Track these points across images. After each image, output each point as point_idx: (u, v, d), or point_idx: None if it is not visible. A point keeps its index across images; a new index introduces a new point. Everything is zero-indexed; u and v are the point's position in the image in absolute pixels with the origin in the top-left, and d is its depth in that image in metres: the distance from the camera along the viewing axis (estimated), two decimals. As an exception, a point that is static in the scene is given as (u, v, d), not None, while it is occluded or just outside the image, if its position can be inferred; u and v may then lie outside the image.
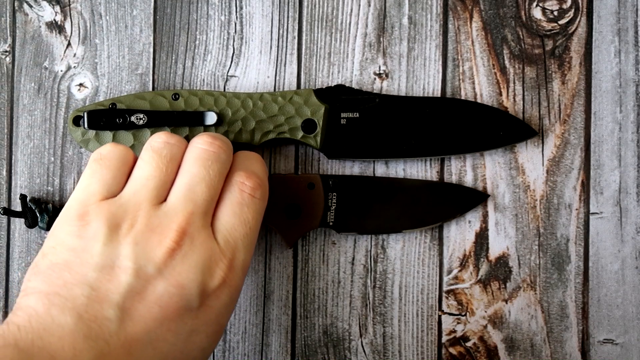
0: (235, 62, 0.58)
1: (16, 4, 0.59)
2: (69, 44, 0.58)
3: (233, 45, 0.58)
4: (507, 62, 0.57)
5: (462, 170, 0.57)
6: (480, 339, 0.57)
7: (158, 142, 0.47)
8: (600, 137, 0.57)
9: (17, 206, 0.58)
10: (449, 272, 0.57)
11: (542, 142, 0.57)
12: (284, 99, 0.55)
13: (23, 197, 0.56)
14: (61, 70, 0.58)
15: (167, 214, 0.45)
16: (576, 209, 0.56)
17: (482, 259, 0.57)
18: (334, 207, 0.55)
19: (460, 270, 0.57)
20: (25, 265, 0.58)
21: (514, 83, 0.57)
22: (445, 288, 0.57)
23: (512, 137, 0.55)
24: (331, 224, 0.55)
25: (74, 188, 0.58)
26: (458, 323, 0.57)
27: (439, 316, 0.57)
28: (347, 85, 0.57)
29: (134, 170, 0.47)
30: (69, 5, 0.59)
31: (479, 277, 0.57)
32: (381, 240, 0.57)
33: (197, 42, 0.58)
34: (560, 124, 0.57)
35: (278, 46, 0.58)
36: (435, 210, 0.56)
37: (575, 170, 0.57)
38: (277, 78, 0.58)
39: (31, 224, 0.56)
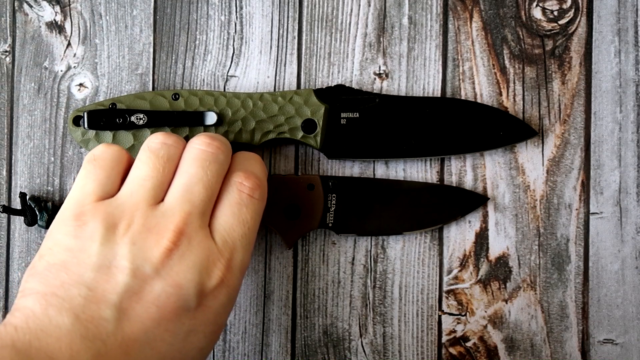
0: (235, 62, 0.58)
1: (16, 4, 0.59)
2: (69, 44, 0.58)
3: (233, 45, 0.58)
4: (507, 62, 0.57)
5: (462, 170, 0.57)
6: (480, 339, 0.57)
7: (155, 143, 0.47)
8: (600, 137, 0.57)
9: (17, 205, 0.58)
10: (449, 272, 0.57)
11: (542, 142, 0.57)
12: (284, 99, 0.55)
13: (23, 195, 0.56)
14: (61, 70, 0.58)
15: (164, 214, 0.44)
16: (576, 209, 0.56)
17: (482, 259, 0.57)
18: (333, 208, 0.55)
19: (460, 270, 0.57)
20: (25, 265, 0.58)
21: (514, 83, 0.57)
22: (445, 288, 0.57)
23: (512, 137, 0.55)
24: (330, 225, 0.55)
25: (74, 188, 0.58)
26: (458, 323, 0.57)
27: (439, 316, 0.57)
28: (347, 85, 0.57)
29: (131, 170, 0.47)
30: (69, 5, 0.59)
31: (479, 277, 0.57)
32: (381, 241, 0.57)
33: (197, 42, 0.58)
34: (560, 124, 0.57)
35: (278, 46, 0.58)
36: (435, 213, 0.56)
37: (575, 170, 0.57)
38: (277, 78, 0.58)
39: (30, 222, 0.56)
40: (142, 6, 0.58)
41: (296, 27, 0.58)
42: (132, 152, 0.55)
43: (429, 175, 0.57)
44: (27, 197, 0.56)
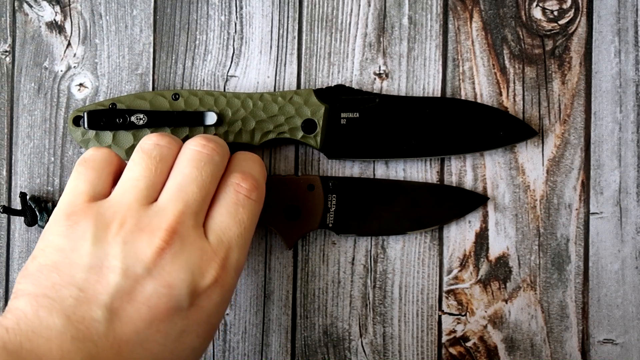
0: (235, 62, 0.58)
1: (16, 4, 0.59)
2: (69, 44, 0.58)
3: (233, 45, 0.58)
4: (507, 62, 0.57)
5: (462, 170, 0.57)
6: (480, 339, 0.57)
7: (148, 144, 0.47)
8: (600, 137, 0.57)
9: (17, 205, 0.58)
10: (449, 272, 0.57)
11: (542, 142, 0.57)
12: (284, 99, 0.55)
13: (23, 195, 0.56)
14: (61, 70, 0.58)
15: (157, 214, 0.44)
16: (576, 209, 0.56)
17: (482, 259, 0.57)
18: (333, 208, 0.55)
19: (460, 270, 0.57)
20: (26, 265, 0.58)
21: (514, 83, 0.57)
22: (445, 288, 0.57)
23: (512, 137, 0.55)
24: (331, 225, 0.55)
25: (74, 188, 0.58)
26: (458, 323, 0.57)
27: (439, 316, 0.57)
28: (347, 85, 0.57)
29: (124, 171, 0.47)
30: (69, 5, 0.59)
31: (479, 277, 0.57)
32: (381, 241, 0.57)
33: (197, 42, 0.58)
34: (560, 124, 0.57)
35: (278, 46, 0.58)
36: (435, 213, 0.56)
37: (575, 170, 0.57)
38: (277, 78, 0.58)
39: (31, 222, 0.56)
40: (142, 6, 0.58)
41: (296, 27, 0.58)
42: (132, 152, 0.55)
43: (429, 175, 0.57)
44: (28, 197, 0.56)
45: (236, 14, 0.58)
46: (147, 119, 0.54)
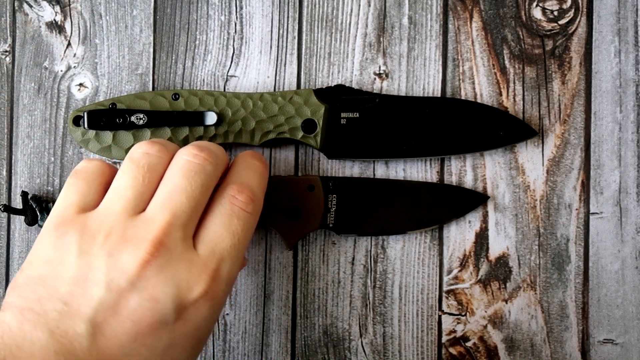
0: (235, 62, 0.58)
1: (16, 4, 0.59)
2: (69, 44, 0.58)
3: (233, 45, 0.58)
4: (507, 62, 0.57)
5: (462, 170, 0.57)
6: (480, 339, 0.57)
7: (137, 153, 0.46)
8: (600, 137, 0.57)
9: (17, 205, 0.58)
10: (449, 272, 0.57)
11: (542, 142, 0.57)
12: (284, 99, 0.55)
13: (24, 194, 0.56)
14: (61, 70, 0.58)
15: (143, 224, 0.43)
16: (576, 209, 0.56)
17: (482, 259, 0.57)
18: (333, 209, 0.55)
19: (460, 270, 0.57)
20: (26, 265, 0.58)
21: (514, 83, 0.57)
22: (445, 288, 0.57)
23: (512, 137, 0.55)
24: (331, 225, 0.55)
25: (74, 188, 0.58)
26: (458, 323, 0.57)
27: (439, 316, 0.57)
28: (347, 85, 0.57)
29: (113, 181, 0.46)
30: (69, 5, 0.59)
31: (479, 277, 0.57)
32: (381, 241, 0.57)
33: (197, 42, 0.58)
34: (560, 124, 0.57)
35: (278, 46, 0.58)
36: (435, 212, 0.56)
37: (575, 170, 0.57)
38: (277, 78, 0.58)
39: (31, 221, 0.56)
40: (142, 6, 0.58)
41: (296, 27, 0.58)
42: (132, 152, 0.55)
43: (429, 175, 0.57)
44: (29, 197, 0.56)
45: (236, 14, 0.58)
46: (147, 119, 0.54)
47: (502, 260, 0.57)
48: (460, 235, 0.57)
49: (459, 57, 0.57)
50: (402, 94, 0.57)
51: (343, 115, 0.55)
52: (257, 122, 0.55)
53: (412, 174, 0.57)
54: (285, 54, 0.58)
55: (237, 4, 0.58)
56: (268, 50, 0.58)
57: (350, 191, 0.56)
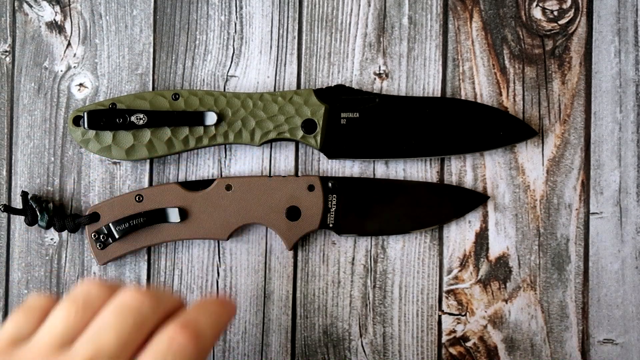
0: (235, 62, 0.58)
1: (16, 4, 0.59)
2: (69, 44, 0.58)
3: (233, 45, 0.58)
4: (507, 62, 0.57)
5: (462, 170, 0.57)
6: (480, 339, 0.57)
7: (77, 289, 0.45)
8: (600, 137, 0.57)
9: (17, 205, 0.58)
10: (449, 272, 0.57)
11: (542, 142, 0.57)
12: (284, 99, 0.55)
13: (24, 194, 0.56)
14: (61, 70, 0.58)
15: (67, 358, 0.41)
16: (576, 209, 0.56)
17: (482, 259, 0.57)
18: (333, 209, 0.55)
19: (460, 270, 0.57)
20: (25, 265, 0.58)
21: (514, 83, 0.57)
22: (445, 288, 0.57)
23: (512, 137, 0.55)
24: (331, 225, 0.55)
25: (74, 188, 0.58)
26: (458, 323, 0.57)
27: (439, 316, 0.57)
28: (347, 85, 0.57)
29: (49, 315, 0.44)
30: (69, 5, 0.59)
31: (479, 277, 0.57)
32: (381, 241, 0.57)
33: (197, 42, 0.58)
34: (560, 124, 0.57)
35: (278, 46, 0.58)
36: (435, 212, 0.56)
37: (575, 170, 0.57)
38: (277, 78, 0.58)
39: (31, 221, 0.56)
40: (142, 6, 0.58)
41: (296, 27, 0.58)
42: (132, 152, 0.55)
43: (429, 175, 0.57)
44: (29, 197, 0.56)
45: (236, 14, 0.58)
46: (147, 119, 0.54)
47: (502, 260, 0.57)
48: (460, 235, 0.57)
49: (459, 57, 0.57)
50: (402, 94, 0.57)
51: (343, 115, 0.55)
52: (257, 122, 0.55)
53: (412, 174, 0.57)
54: (285, 54, 0.58)
55: (237, 4, 0.58)
56: (268, 50, 0.58)
57: (350, 191, 0.56)
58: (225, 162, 0.58)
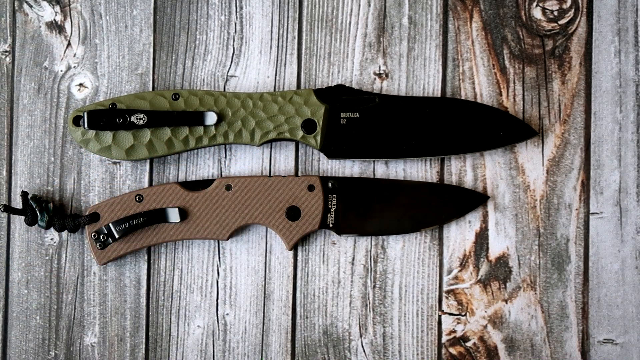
0: (235, 62, 0.58)
1: (16, 4, 0.59)
2: (69, 44, 0.58)
3: (233, 45, 0.58)
4: (507, 62, 0.57)
5: (462, 170, 0.57)
6: (480, 339, 0.57)
7: None
8: (600, 137, 0.57)
9: (17, 205, 0.58)
10: (449, 272, 0.57)
11: (542, 142, 0.57)
12: (284, 99, 0.55)
13: (24, 194, 0.56)
14: (61, 70, 0.58)
15: None
16: (576, 209, 0.56)
17: (482, 259, 0.57)
18: (333, 209, 0.55)
19: (460, 270, 0.57)
20: (25, 265, 0.58)
21: (514, 83, 0.57)
22: (445, 288, 0.57)
23: (512, 137, 0.55)
24: (331, 225, 0.55)
25: (74, 188, 0.58)
26: (458, 323, 0.57)
27: (439, 316, 0.57)
28: (347, 85, 0.57)
29: None
30: (69, 5, 0.59)
31: (479, 277, 0.57)
32: (381, 241, 0.57)
33: (197, 42, 0.58)
34: (560, 124, 0.57)
35: (278, 46, 0.58)
36: (435, 212, 0.56)
37: (575, 170, 0.57)
38: (277, 78, 0.58)
39: (31, 221, 0.56)
40: (142, 6, 0.58)
41: (296, 27, 0.58)
42: (132, 152, 0.55)
43: (429, 175, 0.57)
44: (29, 197, 0.56)
45: (236, 14, 0.58)
46: (147, 119, 0.54)
47: (502, 260, 0.57)
48: (460, 235, 0.57)
49: (459, 57, 0.57)
50: (402, 94, 0.57)
51: (343, 115, 0.55)
52: (257, 122, 0.55)
53: (412, 174, 0.57)
54: (285, 54, 0.58)
55: (237, 4, 0.58)
56: (268, 50, 0.58)
57: (350, 191, 0.56)
58: (225, 162, 0.58)
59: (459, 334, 0.57)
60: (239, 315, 0.57)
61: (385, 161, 0.57)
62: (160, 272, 0.58)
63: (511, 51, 0.57)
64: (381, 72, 0.57)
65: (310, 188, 0.55)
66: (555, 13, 0.57)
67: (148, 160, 0.58)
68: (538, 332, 0.56)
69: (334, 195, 0.55)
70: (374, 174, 0.57)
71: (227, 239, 0.56)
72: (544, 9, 0.57)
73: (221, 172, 0.58)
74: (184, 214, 0.55)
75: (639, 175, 0.56)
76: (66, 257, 0.58)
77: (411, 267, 0.57)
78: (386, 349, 0.57)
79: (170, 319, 0.58)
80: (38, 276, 0.58)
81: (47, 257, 0.58)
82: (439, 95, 0.57)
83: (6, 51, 0.59)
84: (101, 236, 0.55)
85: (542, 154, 0.57)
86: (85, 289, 0.58)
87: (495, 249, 0.57)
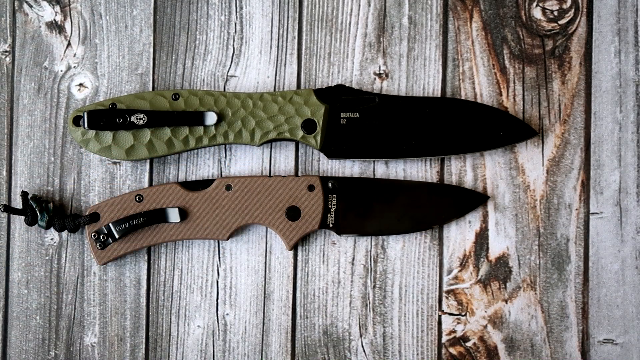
0: (235, 62, 0.58)
1: (16, 4, 0.59)
2: (69, 44, 0.58)
3: (233, 45, 0.58)
4: (507, 62, 0.57)
5: (462, 170, 0.57)
6: (480, 339, 0.57)
7: None
8: (600, 137, 0.57)
9: (17, 205, 0.58)
10: (449, 272, 0.57)
11: (542, 142, 0.57)
12: (284, 99, 0.55)
13: (24, 194, 0.56)
14: (61, 70, 0.58)
15: None
16: (576, 209, 0.56)
17: (482, 259, 0.57)
18: (333, 209, 0.55)
19: (460, 270, 0.57)
20: (25, 265, 0.58)
21: (514, 83, 0.57)
22: (445, 288, 0.57)
23: (512, 137, 0.55)
24: (331, 225, 0.55)
25: (74, 188, 0.58)
26: (458, 323, 0.57)
27: (439, 316, 0.57)
28: (347, 85, 0.57)
29: None
30: (69, 5, 0.59)
31: (479, 277, 0.57)
32: (381, 241, 0.57)
33: (197, 42, 0.58)
34: (560, 124, 0.57)
35: (278, 46, 0.58)
36: (435, 212, 0.56)
37: (575, 170, 0.57)
38: (277, 78, 0.58)
39: (31, 221, 0.55)
40: (142, 6, 0.58)
41: (296, 27, 0.58)
42: (132, 152, 0.55)
43: (429, 175, 0.57)
44: (29, 197, 0.56)
45: (236, 14, 0.58)
46: (147, 119, 0.54)
47: (502, 260, 0.57)
48: (460, 235, 0.57)
49: (459, 57, 0.57)
50: (402, 94, 0.57)
51: (343, 115, 0.55)
52: (257, 122, 0.55)
53: (412, 174, 0.57)
54: (285, 54, 0.58)
55: (237, 4, 0.58)
56: (268, 50, 0.58)
57: (350, 191, 0.56)
58: (225, 162, 0.58)
59: (459, 334, 0.57)
60: (239, 315, 0.57)
61: (385, 161, 0.57)
62: (160, 272, 0.58)
63: (511, 51, 0.57)
64: (381, 72, 0.57)
65: (310, 188, 0.55)
66: (555, 13, 0.57)
67: (148, 160, 0.58)
68: (538, 332, 0.56)
69: (334, 195, 0.55)
70: (374, 174, 0.57)
71: (227, 239, 0.56)
72: (544, 9, 0.57)
73: (221, 172, 0.58)
74: (184, 214, 0.55)
75: (639, 175, 0.56)
76: (66, 257, 0.58)
77: (411, 267, 0.57)
78: (386, 349, 0.57)
79: (170, 319, 0.58)
80: (38, 276, 0.58)
81: (47, 257, 0.58)
82: (439, 95, 0.57)
83: (6, 51, 0.59)
84: (101, 236, 0.55)
85: (542, 154, 0.57)
86: (85, 289, 0.58)
87: (495, 249, 0.57)
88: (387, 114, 0.55)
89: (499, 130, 0.55)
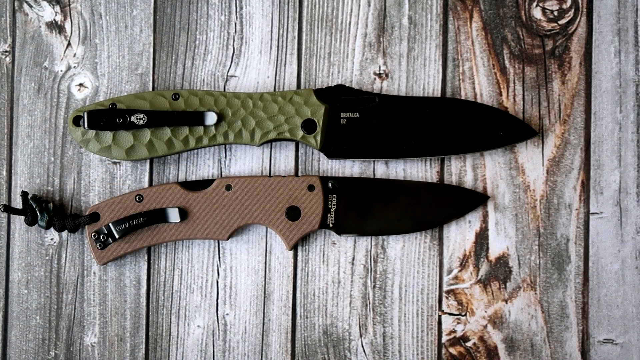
0: (235, 62, 0.58)
1: (16, 4, 0.59)
2: (69, 44, 0.58)
3: (233, 45, 0.58)
4: (507, 62, 0.57)
5: (462, 170, 0.57)
6: (480, 339, 0.57)
7: None
8: (600, 137, 0.57)
9: (17, 205, 0.58)
10: (449, 272, 0.57)
11: (542, 142, 0.57)
12: (284, 99, 0.55)
13: (24, 194, 0.56)
14: (61, 70, 0.58)
15: None
16: (576, 209, 0.56)
17: (482, 259, 0.57)
18: (333, 209, 0.55)
19: (460, 270, 0.57)
20: (25, 265, 0.58)
21: (514, 83, 0.57)
22: (445, 288, 0.57)
23: (512, 137, 0.55)
24: (331, 225, 0.55)
25: (74, 188, 0.58)
26: (458, 323, 0.57)
27: (439, 316, 0.57)
28: (347, 85, 0.57)
29: None
30: (69, 5, 0.59)
31: (479, 277, 0.57)
32: (381, 241, 0.57)
33: (197, 42, 0.58)
34: (560, 124, 0.57)
35: (278, 46, 0.58)
36: (435, 212, 0.56)
37: (575, 170, 0.57)
38: (277, 78, 0.58)
39: (31, 221, 0.55)
40: (142, 6, 0.58)
41: (296, 27, 0.58)
42: (132, 152, 0.55)
43: (429, 175, 0.57)
44: (29, 197, 0.56)
45: (236, 14, 0.58)
46: (147, 119, 0.54)
47: (502, 260, 0.57)
48: (460, 235, 0.57)
49: (459, 57, 0.57)
50: (402, 94, 0.57)
51: (343, 115, 0.55)
52: (257, 122, 0.55)
53: (412, 174, 0.57)
54: (285, 54, 0.58)
55: (237, 4, 0.58)
56: (268, 50, 0.58)
57: (350, 191, 0.56)
58: (225, 162, 0.58)
59: (459, 334, 0.57)
60: (239, 315, 0.57)
61: (385, 161, 0.57)
62: (160, 272, 0.58)
63: (511, 51, 0.57)
64: (381, 72, 0.57)
65: (310, 188, 0.55)
66: (555, 13, 0.57)
67: (148, 160, 0.58)
68: (538, 332, 0.56)
69: (334, 195, 0.55)
70: (374, 174, 0.57)
71: (227, 239, 0.56)
72: (544, 9, 0.57)
73: (221, 172, 0.58)
74: (184, 214, 0.55)
75: (639, 175, 0.56)
76: (66, 257, 0.58)
77: (411, 267, 0.57)
78: (386, 349, 0.57)
79: (170, 319, 0.58)
80: (38, 276, 0.58)
81: (47, 257, 0.58)
82: (439, 95, 0.57)
83: (6, 51, 0.59)
84: (101, 236, 0.55)
85: (542, 154, 0.57)
86: (85, 289, 0.58)
87: (495, 249, 0.57)
88: (387, 114, 0.55)
89: (499, 130, 0.55)
